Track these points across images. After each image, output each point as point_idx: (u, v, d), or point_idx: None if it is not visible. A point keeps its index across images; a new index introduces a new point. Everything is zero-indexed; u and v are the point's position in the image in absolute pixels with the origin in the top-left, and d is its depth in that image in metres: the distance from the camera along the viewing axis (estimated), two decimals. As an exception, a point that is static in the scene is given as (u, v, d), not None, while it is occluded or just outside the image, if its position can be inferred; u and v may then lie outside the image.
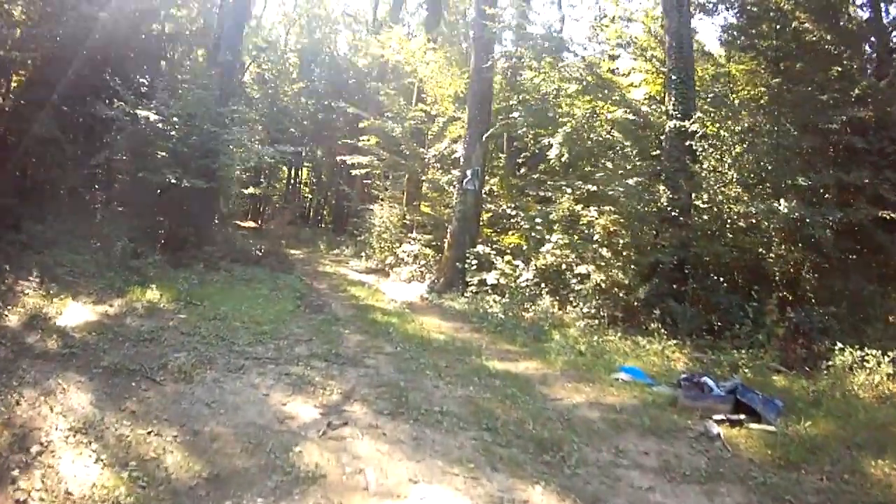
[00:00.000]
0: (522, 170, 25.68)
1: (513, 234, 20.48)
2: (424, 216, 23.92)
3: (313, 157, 45.01)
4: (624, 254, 15.76)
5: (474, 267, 18.34)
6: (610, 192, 15.90)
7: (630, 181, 16.00)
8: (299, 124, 40.74)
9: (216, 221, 20.48)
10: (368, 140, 25.33)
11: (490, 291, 17.26)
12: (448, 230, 20.14)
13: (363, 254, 25.53)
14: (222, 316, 11.51)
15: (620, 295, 15.18)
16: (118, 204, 17.85)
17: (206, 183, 16.55)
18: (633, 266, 15.38)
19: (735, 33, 18.42)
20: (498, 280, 17.33)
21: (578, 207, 16.50)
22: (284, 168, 45.54)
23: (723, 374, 10.78)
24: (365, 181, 28.64)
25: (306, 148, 43.79)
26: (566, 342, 12.65)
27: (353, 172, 27.88)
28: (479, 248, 18.37)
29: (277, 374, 8.74)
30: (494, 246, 19.38)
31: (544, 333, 13.51)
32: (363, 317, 13.92)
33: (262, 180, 41.08)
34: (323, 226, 41.58)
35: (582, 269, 15.43)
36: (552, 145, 17.99)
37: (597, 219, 15.79)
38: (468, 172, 19.75)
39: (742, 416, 8.53)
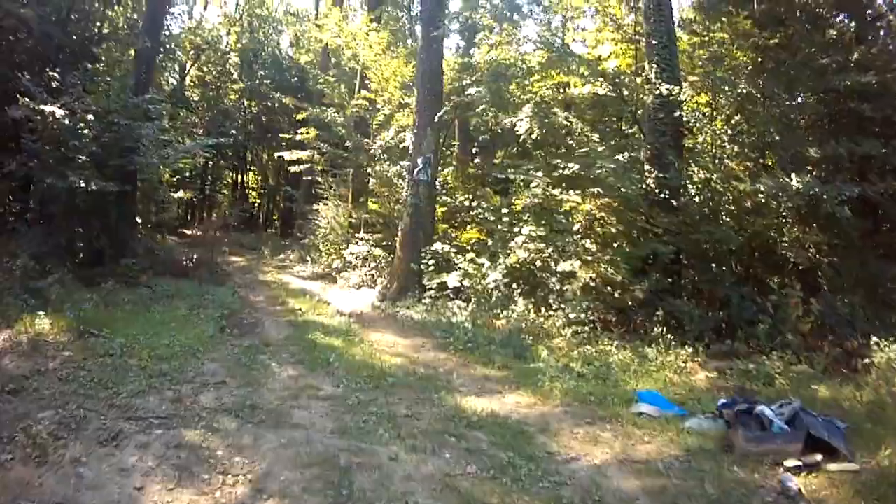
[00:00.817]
0: (477, 158, 22.57)
1: (472, 229, 17.68)
2: (372, 214, 20.81)
3: (259, 161, 41.85)
4: (614, 245, 13.02)
5: (431, 268, 15.55)
6: (597, 172, 12.91)
7: (620, 157, 13.11)
8: (243, 127, 37.63)
9: (139, 230, 17.14)
10: (307, 133, 21.94)
11: (452, 296, 14.63)
12: (399, 228, 16.95)
13: (308, 258, 22.34)
14: (118, 350, 8.55)
15: (613, 294, 12.61)
16: (34, 216, 14.52)
17: (121, 186, 13.88)
18: (624, 260, 12.54)
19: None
20: (461, 282, 14.63)
21: (556, 192, 13.70)
22: (229, 172, 42.76)
23: (763, 392, 8.55)
24: (308, 178, 25.10)
25: (251, 151, 40.91)
26: (556, 359, 10.01)
27: (293, 169, 24.32)
28: (437, 247, 15.50)
29: (164, 447, 5.72)
30: (453, 243, 16.58)
31: (526, 349, 10.79)
32: (300, 338, 10.92)
33: (205, 184, 37.85)
34: (271, 230, 38.04)
35: (565, 265, 12.86)
36: (515, 124, 15.10)
37: (580, 204, 13.01)
38: (419, 161, 16.75)
39: (819, 458, 6.09)
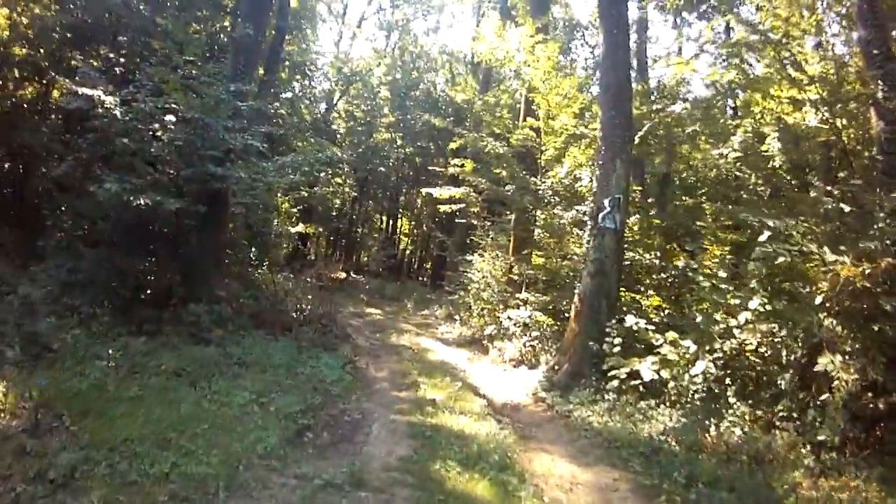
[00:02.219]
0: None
1: (653, 297, 12.95)
2: (538, 270, 16.18)
3: (412, 205, 38.58)
4: (874, 327, 8.20)
5: (617, 349, 10.87)
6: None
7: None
8: (395, 168, 34.73)
9: (229, 267, 13.61)
10: (462, 165, 17.61)
11: (642, 389, 10.06)
12: (575, 292, 12.43)
13: (457, 317, 18.09)
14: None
15: (873, 404, 8.03)
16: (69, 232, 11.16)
17: (194, 205, 10.64)
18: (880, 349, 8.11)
19: None
20: (657, 373, 9.96)
21: (814, 247, 9.29)
22: (379, 216, 39.88)
23: None
24: (463, 221, 20.62)
25: (405, 195, 37.52)
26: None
27: (443, 208, 19.67)
28: (630, 321, 10.85)
29: None
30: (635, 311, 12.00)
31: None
32: (421, 472, 6.59)
33: (352, 226, 34.61)
34: (418, 280, 34.17)
35: (823, 361, 8.29)
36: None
37: (837, 268, 8.47)
38: (605, 203, 12.27)
39: None
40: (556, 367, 12.00)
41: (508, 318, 14.49)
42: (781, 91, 14.07)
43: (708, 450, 7.99)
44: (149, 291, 10.79)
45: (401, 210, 39.52)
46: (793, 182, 14.90)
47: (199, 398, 7.43)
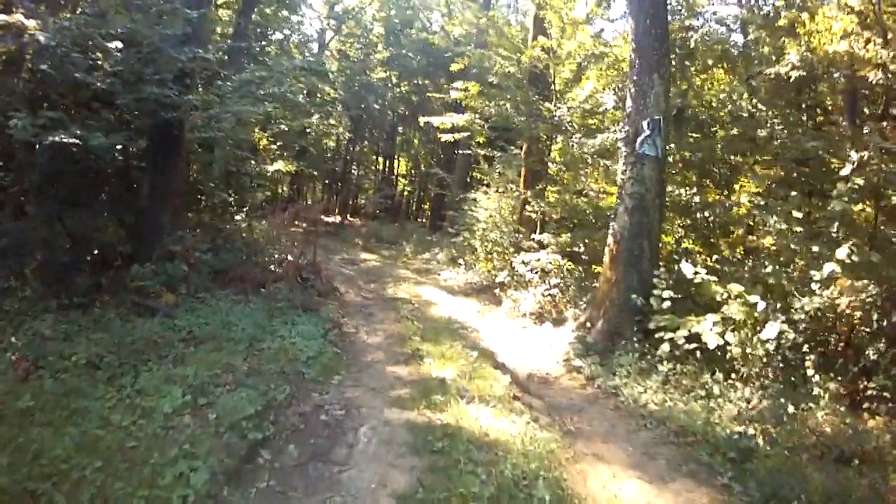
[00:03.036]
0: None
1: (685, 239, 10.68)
2: (554, 207, 13.50)
3: (409, 145, 35.84)
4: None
5: (666, 304, 8.42)
6: None
7: None
8: (390, 107, 31.39)
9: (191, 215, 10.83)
10: (466, 89, 14.77)
11: (701, 359, 7.69)
12: (609, 232, 9.86)
13: (461, 261, 15.56)
14: None
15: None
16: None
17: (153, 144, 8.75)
18: None
19: None
20: (723, 336, 7.49)
21: None
22: (375, 157, 36.91)
23: None
24: (467, 154, 17.74)
25: (400, 136, 35.38)
26: None
27: (445, 138, 16.48)
28: (687, 269, 8.22)
29: None
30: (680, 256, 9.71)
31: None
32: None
33: (347, 167, 32.11)
34: (417, 222, 31.46)
35: None
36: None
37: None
38: (644, 125, 9.69)
39: None
40: (588, 325, 9.55)
41: (523, 262, 11.94)
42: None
43: (804, 447, 5.77)
44: (94, 253, 8.28)
45: (398, 150, 36.74)
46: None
47: (109, 407, 4.93)
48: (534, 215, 13.09)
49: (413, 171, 37.59)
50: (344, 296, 10.91)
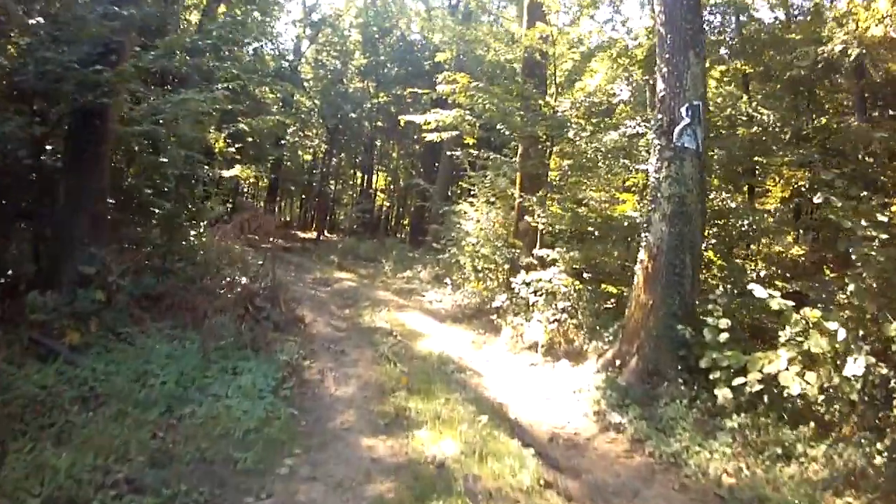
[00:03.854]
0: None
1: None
2: (560, 216, 10.95)
3: (387, 159, 34.09)
4: None
5: (723, 335, 6.31)
6: None
7: None
8: (367, 118, 29.13)
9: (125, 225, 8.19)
10: (453, 78, 12.08)
11: (774, 407, 5.70)
12: (643, 245, 7.56)
13: (448, 280, 13.15)
14: None
15: None
16: None
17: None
18: None
19: None
20: (802, 377, 5.49)
21: None
22: (353, 171, 34.38)
23: None
24: (453, 157, 15.24)
25: (378, 149, 33.45)
26: None
27: (428, 137, 13.49)
28: (760, 291, 5.97)
29: None
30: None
31: None
32: None
33: (324, 181, 30.14)
34: (398, 236, 29.15)
35: None
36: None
37: None
38: (683, 113, 7.49)
39: None
40: (618, 362, 7.28)
41: (524, 283, 9.58)
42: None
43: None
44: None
45: (376, 164, 34.25)
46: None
47: None
48: (538, 227, 10.67)
49: (392, 186, 35.24)
50: (310, 327, 8.51)
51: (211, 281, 7.81)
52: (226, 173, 10.50)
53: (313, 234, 26.73)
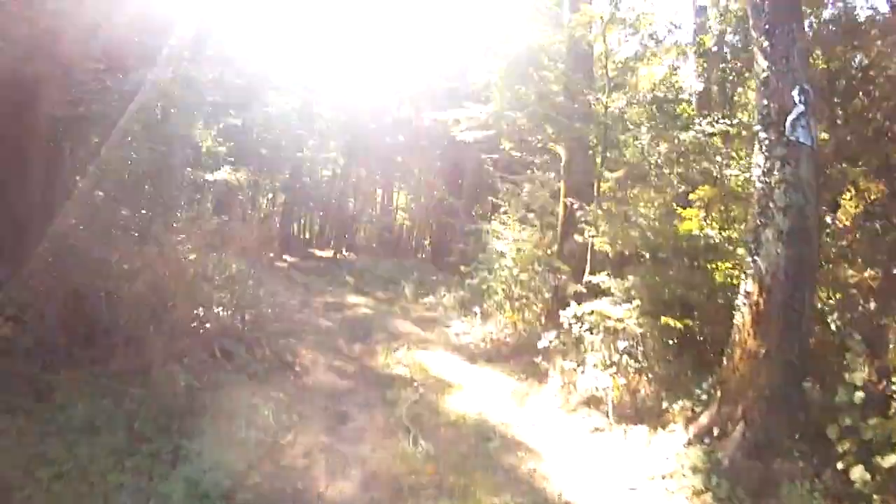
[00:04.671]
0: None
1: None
2: (622, 235, 8.63)
3: (409, 176, 31.05)
4: None
5: (858, 394, 4.49)
6: None
7: None
8: (389, 131, 27.17)
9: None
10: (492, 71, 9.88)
11: None
12: (749, 273, 5.60)
13: (476, 309, 11.18)
14: None
15: None
16: None
17: None
18: None
19: None
20: None
21: None
22: (373, 188, 33.22)
23: None
24: (487, 165, 13.20)
25: (401, 166, 30.67)
26: None
27: (459, 137, 11.35)
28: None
29: None
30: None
31: None
32: None
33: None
34: (419, 256, 27.29)
35: None
36: None
37: None
38: (795, 97, 5.59)
39: None
40: (715, 430, 5.34)
41: (575, 317, 7.66)
42: None
43: None
44: None
45: (397, 181, 32.25)
46: None
47: None
48: (591, 246, 8.67)
49: (413, 204, 33.20)
50: (305, 373, 6.57)
51: (180, 310, 5.93)
52: (210, 177, 8.64)
53: (330, 253, 25.11)
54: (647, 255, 8.43)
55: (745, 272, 5.74)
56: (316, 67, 25.94)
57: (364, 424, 5.46)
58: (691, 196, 8.80)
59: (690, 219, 8.51)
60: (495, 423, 5.96)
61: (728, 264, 8.11)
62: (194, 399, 4.62)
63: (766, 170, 5.63)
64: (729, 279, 7.78)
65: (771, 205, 5.51)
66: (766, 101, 5.80)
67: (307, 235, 34.64)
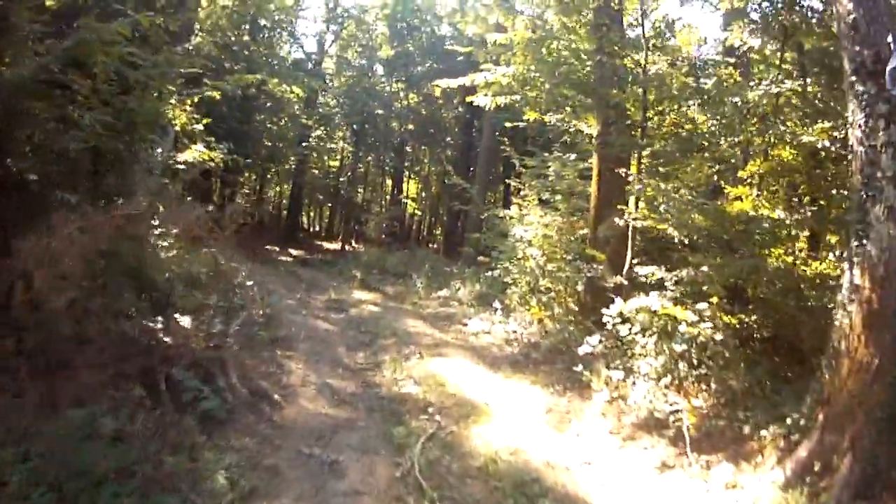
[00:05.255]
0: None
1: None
2: (668, 218, 7.22)
3: (419, 165, 31.12)
4: None
5: None
6: None
7: None
8: (396, 116, 26.25)
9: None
10: (512, 22, 8.47)
11: None
12: (856, 261, 4.30)
13: (497, 305, 10.02)
14: None
15: None
16: None
17: None
18: None
19: None
20: None
21: None
22: (382, 178, 32.09)
23: None
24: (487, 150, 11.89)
25: (411, 155, 30.51)
26: None
27: (475, 102, 9.71)
28: None
29: None
30: None
31: None
32: None
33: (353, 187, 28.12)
34: (430, 246, 26.15)
35: None
36: None
37: None
38: (892, 44, 4.28)
39: None
40: (817, 465, 4.07)
41: (620, 315, 6.38)
42: None
43: None
44: None
45: (407, 170, 31.27)
46: None
47: None
48: (635, 229, 7.35)
49: (423, 193, 32.36)
50: (287, 402, 5.15)
51: (130, 324, 4.67)
52: (181, 156, 7.31)
53: (338, 245, 24.51)
54: (701, 241, 7.10)
55: (850, 260, 4.44)
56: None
57: (361, 483, 4.00)
58: (741, 173, 7.49)
59: (741, 198, 7.14)
60: (537, 464, 4.63)
61: (780, 250, 6.83)
62: (113, 457, 3.31)
63: (865, 132, 4.32)
64: (780, 268, 6.52)
65: (879, 174, 4.20)
66: (857, 48, 4.49)
67: (316, 228, 33.77)
